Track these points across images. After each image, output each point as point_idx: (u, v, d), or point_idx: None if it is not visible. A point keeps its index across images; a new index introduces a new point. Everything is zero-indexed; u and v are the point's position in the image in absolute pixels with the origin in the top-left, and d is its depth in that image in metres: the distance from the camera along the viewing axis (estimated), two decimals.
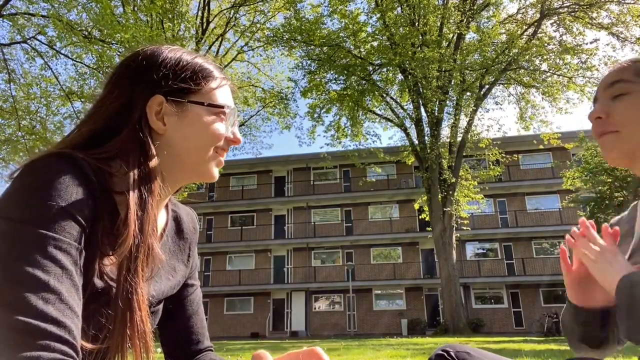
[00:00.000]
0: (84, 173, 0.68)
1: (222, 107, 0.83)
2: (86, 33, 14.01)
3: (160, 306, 0.90)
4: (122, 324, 0.68)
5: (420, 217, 22.12)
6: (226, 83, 0.87)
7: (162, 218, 0.91)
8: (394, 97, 20.86)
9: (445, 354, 0.96)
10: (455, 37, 19.04)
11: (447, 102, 19.30)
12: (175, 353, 0.96)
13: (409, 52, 17.15)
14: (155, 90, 0.78)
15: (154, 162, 0.77)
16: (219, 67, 0.87)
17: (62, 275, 0.60)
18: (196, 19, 17.64)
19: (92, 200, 0.68)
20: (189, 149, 0.80)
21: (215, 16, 18.41)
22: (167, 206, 0.93)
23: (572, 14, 17.98)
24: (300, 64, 20.07)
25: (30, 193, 0.63)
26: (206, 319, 1.03)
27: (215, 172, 0.85)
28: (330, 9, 19.04)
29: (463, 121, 19.41)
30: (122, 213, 0.71)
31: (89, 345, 0.66)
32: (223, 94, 0.85)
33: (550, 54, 18.05)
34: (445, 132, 19.78)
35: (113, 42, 13.92)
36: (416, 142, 19.47)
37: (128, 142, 0.76)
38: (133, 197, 0.72)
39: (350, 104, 19.57)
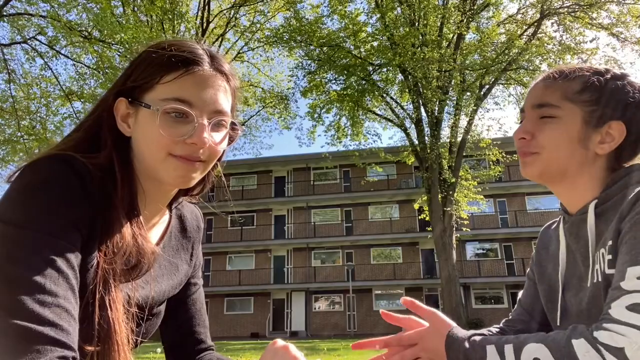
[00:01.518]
0: (82, 176, 0.67)
1: (149, 106, 0.73)
2: (86, 34, 14.01)
3: (163, 306, 0.89)
4: (99, 323, 0.68)
5: (420, 217, 22.10)
6: (192, 71, 0.75)
7: (164, 217, 0.90)
8: (394, 97, 20.85)
9: None
10: (455, 37, 19.03)
11: (447, 102, 19.28)
12: (177, 352, 0.96)
13: (409, 53, 17.14)
14: (119, 93, 0.77)
15: (125, 165, 0.76)
16: (191, 53, 0.76)
17: (58, 278, 0.60)
18: (196, 19, 17.63)
19: (90, 204, 0.68)
20: (142, 152, 0.76)
21: (216, 16, 18.41)
22: (170, 205, 0.92)
23: (572, 14, 17.96)
24: (300, 64, 20.08)
25: (28, 195, 0.63)
26: (206, 310, 1.03)
27: (179, 181, 0.76)
28: (330, 9, 19.04)
29: (463, 121, 19.40)
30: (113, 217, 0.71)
31: (89, 348, 0.66)
32: (185, 86, 0.74)
33: (550, 54, 18.03)
34: (445, 132, 19.77)
35: (113, 42, 13.93)
36: (416, 142, 19.45)
37: (109, 145, 0.76)
38: (116, 202, 0.72)
39: (350, 104, 19.55)
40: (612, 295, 0.76)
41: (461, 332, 0.88)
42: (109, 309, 0.68)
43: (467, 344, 0.84)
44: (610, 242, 0.84)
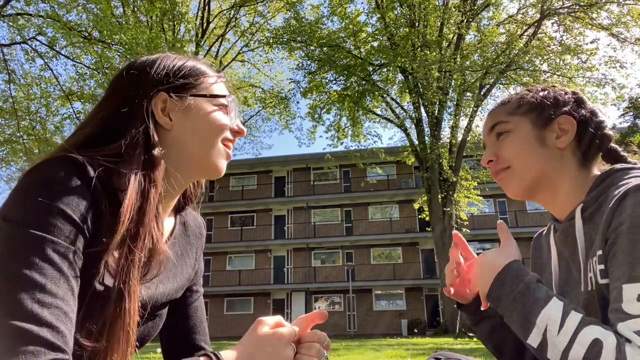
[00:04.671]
0: (86, 176, 0.68)
1: (224, 96, 0.86)
2: (86, 34, 14.01)
3: (165, 310, 0.90)
4: (113, 315, 0.67)
5: (420, 217, 22.11)
6: (222, 80, 0.90)
7: (170, 221, 0.91)
8: (394, 98, 20.86)
9: None
10: (455, 38, 19.03)
11: (448, 102, 19.28)
12: (176, 358, 0.96)
13: (409, 53, 17.14)
14: (158, 88, 0.81)
15: (159, 157, 0.77)
16: (213, 67, 0.90)
17: (59, 278, 0.60)
18: (196, 20, 17.62)
19: (95, 204, 0.68)
20: (197, 141, 0.82)
21: (215, 16, 18.41)
22: (175, 210, 0.93)
23: (572, 14, 17.96)
24: (300, 65, 20.08)
25: (32, 196, 0.63)
26: (206, 319, 1.03)
27: (223, 166, 0.86)
28: (330, 10, 19.04)
29: (463, 121, 19.40)
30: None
31: (92, 344, 0.66)
32: (220, 89, 0.88)
33: (550, 54, 18.04)
34: (445, 132, 19.78)
35: (113, 43, 13.92)
36: (416, 142, 19.45)
37: (135, 139, 0.76)
38: (134, 187, 0.71)
39: (350, 104, 19.56)
40: (615, 317, 0.76)
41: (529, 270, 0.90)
42: (126, 307, 0.68)
43: (533, 279, 0.85)
44: (600, 252, 0.84)
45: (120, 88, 0.82)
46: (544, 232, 1.13)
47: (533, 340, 0.81)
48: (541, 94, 1.03)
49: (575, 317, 0.77)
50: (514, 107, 1.03)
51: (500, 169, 1.02)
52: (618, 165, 0.93)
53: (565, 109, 0.99)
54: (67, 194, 0.65)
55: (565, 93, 1.03)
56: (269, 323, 0.73)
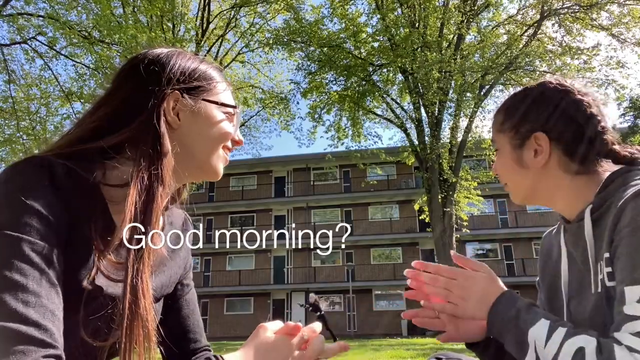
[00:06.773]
0: (60, 176, 0.68)
1: (235, 107, 0.90)
2: (86, 34, 14.00)
3: (158, 304, 0.90)
4: (128, 313, 0.67)
5: (420, 217, 22.11)
6: (230, 88, 0.93)
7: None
8: (395, 98, 20.86)
9: None
10: (455, 38, 19.02)
11: (448, 102, 19.27)
12: (173, 352, 0.96)
13: (410, 54, 17.15)
14: (172, 86, 0.81)
15: (168, 154, 0.77)
16: (222, 72, 0.93)
17: (40, 278, 0.60)
18: (196, 20, 17.61)
19: (70, 202, 0.68)
20: (201, 145, 0.84)
21: (215, 17, 18.39)
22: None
23: (573, 14, 17.95)
24: (300, 65, 20.08)
25: (7, 198, 0.64)
26: (206, 319, 1.03)
27: (221, 170, 0.90)
28: (331, 11, 19.05)
29: (464, 122, 19.38)
30: (121, 205, 0.71)
31: (98, 343, 0.67)
32: (229, 98, 0.91)
33: (551, 55, 18.02)
34: (445, 132, 19.76)
35: (113, 43, 13.91)
36: (416, 142, 19.44)
37: (141, 134, 0.76)
38: (137, 185, 0.71)
39: (350, 104, 19.56)
40: (619, 319, 0.77)
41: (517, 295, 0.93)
42: (141, 305, 0.68)
43: (523, 304, 0.88)
44: (607, 254, 0.84)
45: (134, 81, 0.82)
46: (554, 231, 1.11)
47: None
48: (524, 105, 1.01)
49: (561, 331, 0.80)
50: (499, 123, 1.06)
51: (503, 183, 1.08)
52: (630, 167, 0.92)
53: (542, 122, 0.96)
54: (41, 195, 0.65)
55: (553, 96, 0.98)
56: (271, 328, 0.75)
